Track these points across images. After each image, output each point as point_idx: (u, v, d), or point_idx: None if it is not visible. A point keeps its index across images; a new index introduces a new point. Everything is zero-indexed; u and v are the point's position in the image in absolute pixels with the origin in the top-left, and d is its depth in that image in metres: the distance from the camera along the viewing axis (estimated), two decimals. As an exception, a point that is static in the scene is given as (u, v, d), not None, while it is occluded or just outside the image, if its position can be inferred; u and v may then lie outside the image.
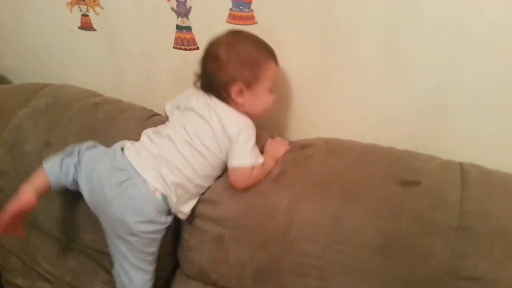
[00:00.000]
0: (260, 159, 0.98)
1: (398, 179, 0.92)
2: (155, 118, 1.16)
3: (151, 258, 0.99)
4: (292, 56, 1.08)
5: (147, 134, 1.00)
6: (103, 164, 0.95)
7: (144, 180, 0.92)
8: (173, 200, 0.94)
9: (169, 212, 0.97)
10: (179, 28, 1.17)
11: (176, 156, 0.94)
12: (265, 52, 0.99)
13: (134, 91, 1.32)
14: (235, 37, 0.99)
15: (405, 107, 1.04)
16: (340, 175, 0.95)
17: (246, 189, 0.97)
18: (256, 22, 1.07)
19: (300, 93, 1.13)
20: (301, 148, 1.04)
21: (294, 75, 1.11)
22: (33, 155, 1.14)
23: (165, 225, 0.97)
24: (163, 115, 1.16)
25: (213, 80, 0.97)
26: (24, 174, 1.01)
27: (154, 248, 0.98)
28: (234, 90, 0.96)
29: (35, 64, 1.48)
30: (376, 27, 0.97)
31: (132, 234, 0.93)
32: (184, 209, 0.98)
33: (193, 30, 1.17)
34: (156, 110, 1.20)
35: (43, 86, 1.28)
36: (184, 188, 0.95)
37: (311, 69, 1.09)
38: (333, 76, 1.07)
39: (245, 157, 0.95)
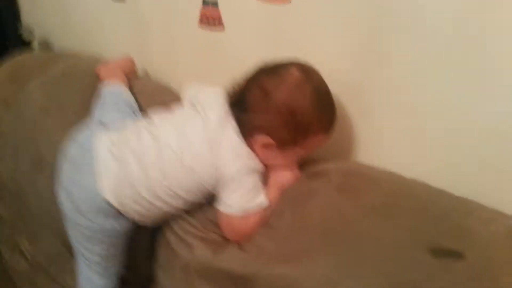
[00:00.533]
0: (260, 201, 0.76)
1: (430, 243, 0.60)
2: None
3: (96, 258, 0.83)
4: (327, 49, 0.82)
5: (142, 126, 0.83)
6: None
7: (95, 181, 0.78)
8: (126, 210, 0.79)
9: (117, 215, 0.80)
10: (205, 2, 1.00)
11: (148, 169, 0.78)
12: (326, 120, 0.77)
13: (158, 67, 1.21)
14: (301, 83, 0.74)
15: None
16: (345, 225, 0.66)
17: (239, 241, 0.77)
18: (290, 1, 0.84)
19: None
20: (310, 178, 0.76)
21: (327, 73, 0.83)
22: (33, 120, 1.11)
23: (106, 228, 0.80)
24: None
25: (246, 112, 0.76)
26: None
27: (97, 247, 0.82)
28: (261, 141, 0.75)
29: (75, 30, 1.48)
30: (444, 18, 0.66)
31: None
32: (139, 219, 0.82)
33: (219, 7, 0.98)
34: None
35: (61, 56, 1.25)
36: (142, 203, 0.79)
37: (350, 68, 0.80)
38: (381, 78, 0.77)
39: (231, 203, 0.76)
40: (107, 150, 0.79)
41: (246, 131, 0.76)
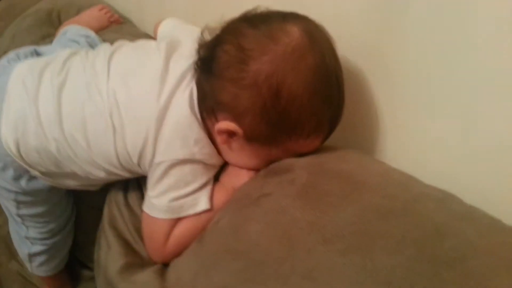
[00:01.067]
0: (195, 203, 0.54)
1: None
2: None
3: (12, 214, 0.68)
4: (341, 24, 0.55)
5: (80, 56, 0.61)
6: None
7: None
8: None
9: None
10: None
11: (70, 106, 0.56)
12: (325, 118, 0.51)
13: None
14: (300, 52, 0.48)
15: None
16: (289, 253, 0.41)
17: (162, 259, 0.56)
18: None
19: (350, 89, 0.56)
20: (267, 175, 0.52)
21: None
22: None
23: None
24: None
25: (212, 78, 0.52)
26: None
27: (7, 203, 0.67)
28: (222, 125, 0.51)
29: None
30: None
31: None
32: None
33: None
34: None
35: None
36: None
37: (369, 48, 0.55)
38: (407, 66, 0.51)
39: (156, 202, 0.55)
40: (20, 80, 0.58)
41: (206, 105, 0.53)
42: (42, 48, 0.70)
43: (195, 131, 0.53)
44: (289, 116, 0.49)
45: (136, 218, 0.60)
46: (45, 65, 0.59)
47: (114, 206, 0.63)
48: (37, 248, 0.73)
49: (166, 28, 0.73)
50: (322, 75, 0.49)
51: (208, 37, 0.56)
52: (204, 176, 0.55)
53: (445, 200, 0.44)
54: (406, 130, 0.54)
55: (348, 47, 0.55)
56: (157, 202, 0.53)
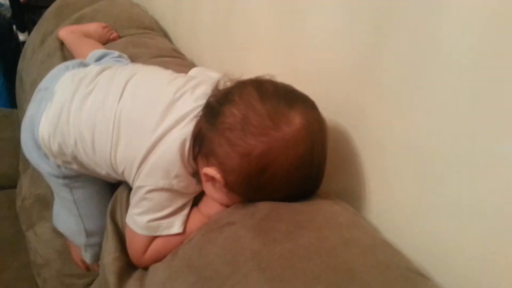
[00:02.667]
0: (170, 226, 0.64)
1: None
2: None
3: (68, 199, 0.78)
4: (320, 42, 0.66)
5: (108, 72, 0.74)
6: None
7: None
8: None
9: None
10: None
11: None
12: (298, 191, 0.60)
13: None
14: (295, 142, 0.56)
15: None
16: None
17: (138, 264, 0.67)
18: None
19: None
20: (239, 205, 0.62)
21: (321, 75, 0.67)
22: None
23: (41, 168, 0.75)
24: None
25: (213, 128, 0.59)
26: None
27: (61, 192, 0.78)
28: (209, 172, 0.60)
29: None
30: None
31: None
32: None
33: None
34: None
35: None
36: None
37: (352, 68, 0.62)
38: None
39: (136, 219, 0.65)
40: (65, 85, 0.73)
41: (202, 148, 0.61)
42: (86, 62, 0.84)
43: (177, 168, 0.61)
44: (268, 187, 0.58)
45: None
46: (84, 76, 0.72)
47: (117, 201, 0.75)
48: (94, 239, 0.82)
49: (195, 70, 0.84)
50: (305, 166, 0.57)
51: (223, 85, 0.63)
52: (179, 201, 0.64)
53: (370, 248, 0.51)
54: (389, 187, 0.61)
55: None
56: (138, 220, 0.63)
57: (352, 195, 0.66)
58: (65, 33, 1.10)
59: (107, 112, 0.66)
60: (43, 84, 0.77)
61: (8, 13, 2.03)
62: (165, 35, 1.28)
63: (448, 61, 0.48)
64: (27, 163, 1.15)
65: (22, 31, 1.88)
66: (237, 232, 0.55)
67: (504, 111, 0.43)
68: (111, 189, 0.79)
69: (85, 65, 0.82)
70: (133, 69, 0.73)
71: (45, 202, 1.02)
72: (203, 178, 0.62)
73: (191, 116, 0.63)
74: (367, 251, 0.51)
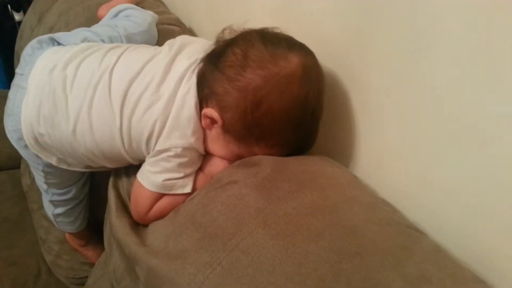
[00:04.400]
0: (182, 187, 0.65)
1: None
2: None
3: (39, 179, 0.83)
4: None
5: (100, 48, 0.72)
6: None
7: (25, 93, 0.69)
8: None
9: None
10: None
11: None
12: (293, 141, 0.62)
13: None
14: (291, 79, 0.57)
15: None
16: (237, 228, 0.52)
17: (138, 219, 0.68)
18: None
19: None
20: (240, 165, 0.62)
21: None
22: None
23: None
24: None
25: (215, 70, 0.61)
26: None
27: (36, 173, 0.81)
28: (208, 112, 0.62)
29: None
30: None
31: None
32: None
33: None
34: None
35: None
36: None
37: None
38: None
39: (150, 176, 0.66)
40: (43, 68, 0.69)
41: (203, 92, 0.62)
42: (58, 35, 0.77)
43: (193, 123, 0.62)
44: (261, 125, 0.59)
45: (131, 185, 0.72)
46: (68, 61, 0.69)
47: (119, 174, 0.76)
48: (59, 210, 0.88)
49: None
50: (299, 107, 0.58)
51: (227, 36, 0.65)
52: (195, 165, 0.66)
53: (371, 205, 0.53)
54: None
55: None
56: (153, 178, 0.64)
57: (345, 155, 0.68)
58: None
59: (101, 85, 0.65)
60: (18, 68, 0.74)
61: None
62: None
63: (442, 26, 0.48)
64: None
65: (17, 11, 1.85)
66: (240, 190, 0.56)
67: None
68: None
69: (57, 41, 0.77)
70: (121, 48, 0.71)
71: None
72: (203, 123, 0.63)
73: (191, 69, 0.64)
74: (368, 208, 0.53)
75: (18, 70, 0.73)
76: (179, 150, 0.63)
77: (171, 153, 0.63)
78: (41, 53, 0.72)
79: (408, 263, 0.46)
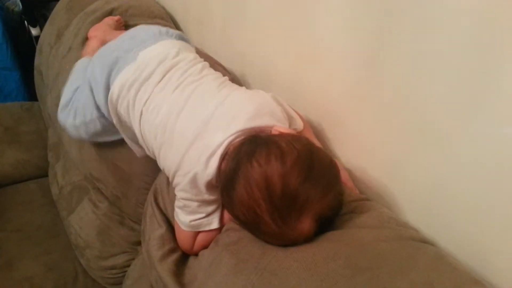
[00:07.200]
0: (209, 224, 0.73)
1: None
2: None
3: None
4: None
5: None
6: None
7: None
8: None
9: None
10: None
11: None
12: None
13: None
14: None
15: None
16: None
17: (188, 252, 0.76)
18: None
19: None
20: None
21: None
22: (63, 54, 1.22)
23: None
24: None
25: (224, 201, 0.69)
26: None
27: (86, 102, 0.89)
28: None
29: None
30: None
31: None
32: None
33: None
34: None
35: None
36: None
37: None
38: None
39: (179, 216, 0.75)
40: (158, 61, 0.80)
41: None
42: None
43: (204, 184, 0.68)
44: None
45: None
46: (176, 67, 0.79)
47: (158, 191, 0.87)
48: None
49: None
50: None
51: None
52: (214, 205, 0.72)
53: (380, 227, 0.61)
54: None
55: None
56: (182, 219, 0.73)
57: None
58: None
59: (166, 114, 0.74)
60: (124, 45, 0.86)
61: (15, 7, 2.06)
62: (174, 23, 1.33)
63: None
64: (56, 154, 1.28)
65: (34, 26, 1.92)
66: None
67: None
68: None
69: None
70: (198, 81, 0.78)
71: (82, 188, 1.13)
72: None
73: (218, 152, 0.67)
74: (375, 230, 0.61)
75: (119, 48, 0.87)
76: (193, 200, 0.71)
77: (187, 201, 0.72)
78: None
79: (413, 271, 0.54)
